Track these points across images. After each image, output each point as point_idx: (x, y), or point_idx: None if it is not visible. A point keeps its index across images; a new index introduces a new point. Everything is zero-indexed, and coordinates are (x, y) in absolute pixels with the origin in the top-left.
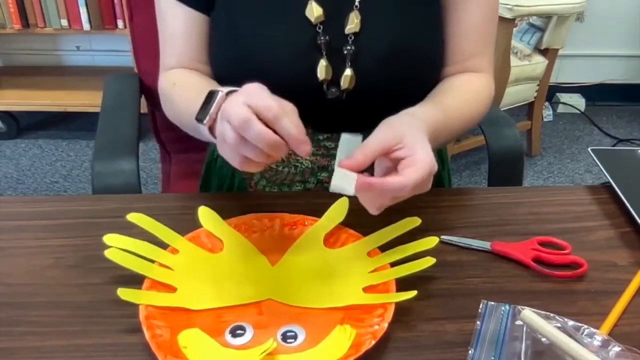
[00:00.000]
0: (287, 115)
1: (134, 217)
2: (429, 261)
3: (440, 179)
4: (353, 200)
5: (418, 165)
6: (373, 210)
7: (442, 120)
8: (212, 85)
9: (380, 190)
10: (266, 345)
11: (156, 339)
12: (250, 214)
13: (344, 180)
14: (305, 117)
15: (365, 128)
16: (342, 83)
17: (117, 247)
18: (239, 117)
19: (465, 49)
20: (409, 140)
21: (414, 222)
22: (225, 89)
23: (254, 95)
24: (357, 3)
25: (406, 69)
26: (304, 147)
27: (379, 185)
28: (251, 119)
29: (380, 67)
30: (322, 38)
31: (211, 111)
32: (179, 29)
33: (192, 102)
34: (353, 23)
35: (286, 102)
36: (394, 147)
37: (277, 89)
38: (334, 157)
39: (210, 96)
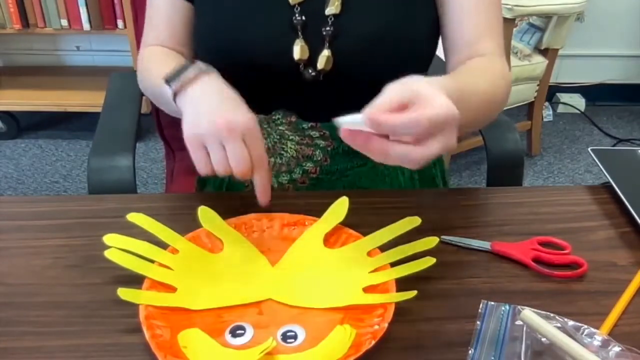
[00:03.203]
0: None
1: (134, 217)
2: (429, 261)
3: (432, 178)
4: (353, 200)
5: (433, 103)
6: (377, 156)
7: (457, 90)
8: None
9: (386, 124)
10: (265, 345)
11: (156, 339)
12: (250, 214)
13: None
14: (284, 98)
15: (346, 112)
16: (318, 64)
17: (116, 247)
18: (242, 167)
19: (466, 34)
20: (425, 93)
21: (414, 221)
22: (203, 65)
23: (255, 146)
24: None
25: (387, 52)
26: (265, 199)
27: (384, 121)
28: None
29: (360, 49)
30: (298, 18)
31: (183, 77)
32: (163, 10)
33: (165, 68)
34: (334, 5)
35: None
36: (408, 103)
37: (254, 69)
38: (318, 146)
39: (187, 66)
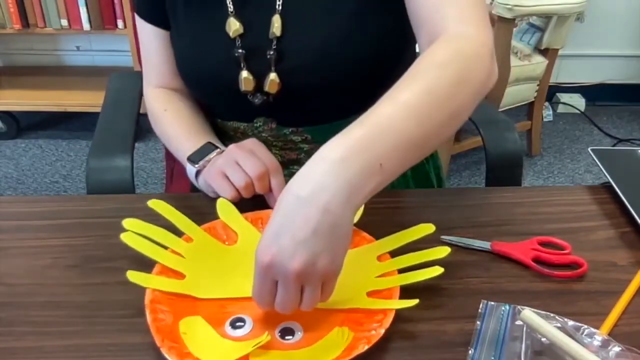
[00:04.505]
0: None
1: (154, 204)
2: (436, 270)
3: (426, 174)
4: (368, 203)
5: None
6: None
7: (361, 137)
8: (200, 119)
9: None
10: (259, 339)
11: (157, 322)
12: (267, 209)
13: None
14: (255, 112)
15: (304, 122)
16: (266, 88)
17: (133, 231)
18: (258, 171)
19: (424, 7)
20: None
21: (428, 228)
22: (222, 147)
23: (265, 155)
24: (278, 6)
25: (332, 68)
26: None
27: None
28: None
29: (304, 69)
30: (239, 51)
31: (206, 159)
32: (152, 45)
33: (182, 134)
34: (274, 27)
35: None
36: None
37: (206, 97)
38: (302, 150)
39: (209, 148)
